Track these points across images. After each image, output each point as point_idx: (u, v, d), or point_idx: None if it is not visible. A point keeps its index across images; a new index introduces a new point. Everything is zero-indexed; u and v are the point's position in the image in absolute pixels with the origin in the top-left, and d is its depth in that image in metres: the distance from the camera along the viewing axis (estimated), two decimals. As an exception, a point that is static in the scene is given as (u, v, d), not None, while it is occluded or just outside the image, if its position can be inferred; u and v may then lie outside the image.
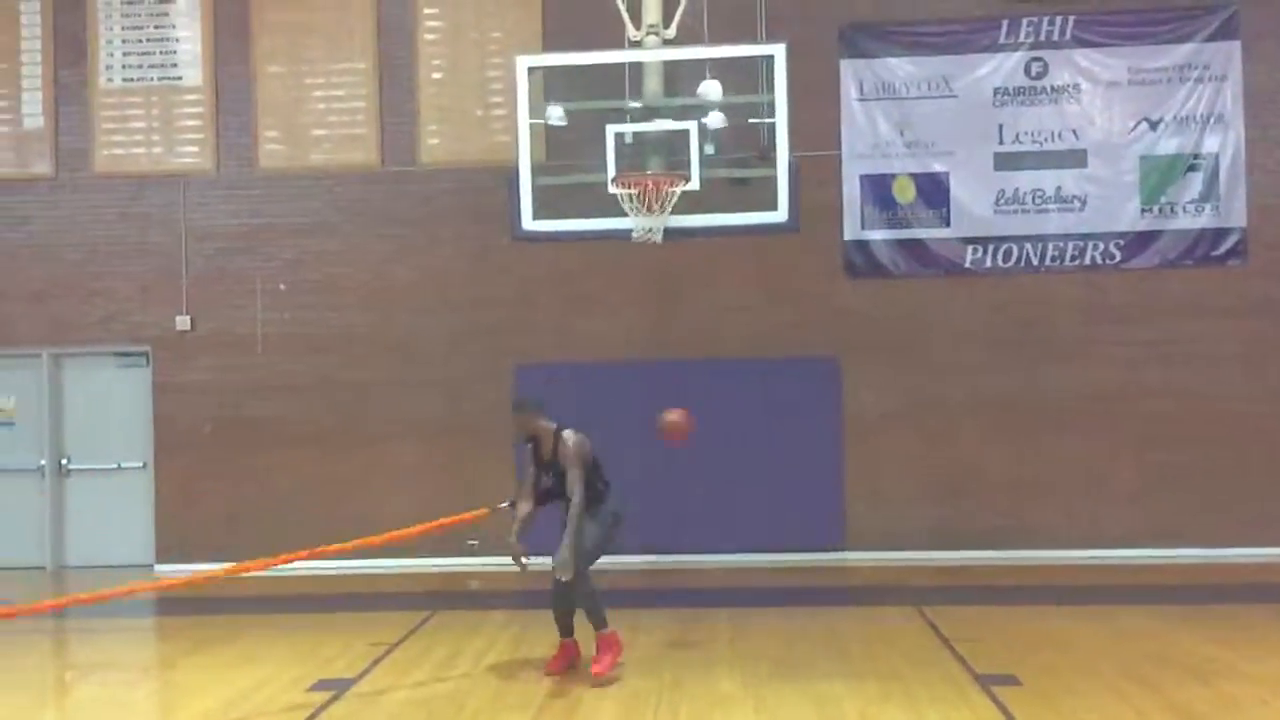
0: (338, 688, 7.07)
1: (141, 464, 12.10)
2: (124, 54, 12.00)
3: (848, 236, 11.68)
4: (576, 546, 7.02)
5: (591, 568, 7.28)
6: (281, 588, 10.86)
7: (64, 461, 12.20)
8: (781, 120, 8.92)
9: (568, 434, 7.23)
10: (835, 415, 11.63)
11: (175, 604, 10.51)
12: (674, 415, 7.62)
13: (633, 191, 8.68)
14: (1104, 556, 11.23)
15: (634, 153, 8.96)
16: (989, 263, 11.61)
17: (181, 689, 7.49)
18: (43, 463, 12.14)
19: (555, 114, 9.48)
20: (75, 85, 12.03)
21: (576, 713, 6.52)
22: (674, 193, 8.69)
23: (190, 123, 12.01)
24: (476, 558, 11.53)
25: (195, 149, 12.00)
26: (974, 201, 11.60)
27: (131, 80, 12.00)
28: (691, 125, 8.79)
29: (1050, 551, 11.32)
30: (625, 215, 8.88)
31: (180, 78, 12.00)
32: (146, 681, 8.10)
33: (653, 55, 9.02)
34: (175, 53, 11.98)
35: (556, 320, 11.77)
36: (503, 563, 11.22)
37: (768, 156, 9.14)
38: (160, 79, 12.01)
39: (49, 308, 12.04)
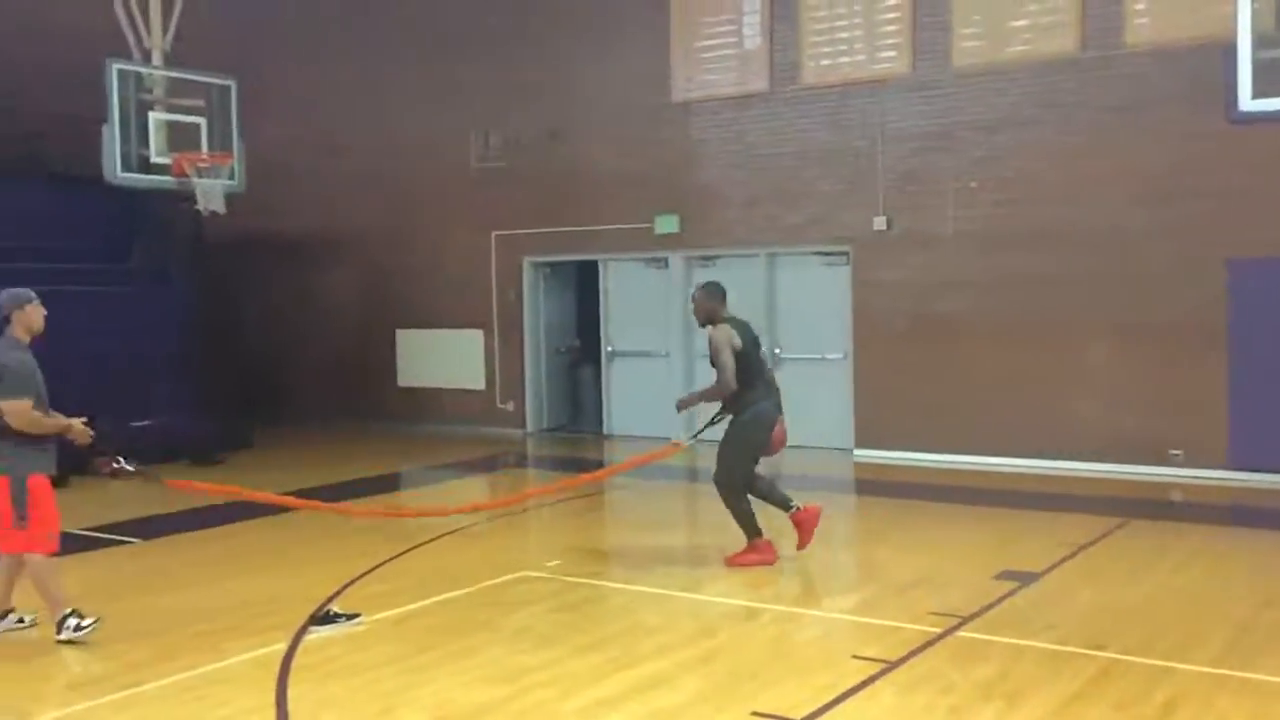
0: (1024, 579, 7.20)
1: (842, 355, 13.07)
2: (829, -31, 12.73)
3: None
4: (694, 401, 7.91)
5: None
6: (970, 480, 11.19)
7: (777, 350, 13.57)
8: None
9: (711, 329, 7.59)
10: None
11: (870, 486, 11.41)
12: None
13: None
14: None
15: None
16: None
17: (879, 562, 8.14)
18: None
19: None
20: (788, 4, 12.99)
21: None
22: None
23: (889, 28, 12.41)
24: (1180, 468, 10.89)
25: (893, 53, 12.40)
26: None
27: (836, -7, 12.70)
28: None
29: None
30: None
31: (880, -15, 12.44)
32: (849, 550, 8.89)
33: None
34: (875, -39, 12.43)
35: (1278, 209, 10.50)
36: (1207, 475, 10.65)
37: None
38: (862, -11, 12.56)
39: (763, 211, 13.34)
